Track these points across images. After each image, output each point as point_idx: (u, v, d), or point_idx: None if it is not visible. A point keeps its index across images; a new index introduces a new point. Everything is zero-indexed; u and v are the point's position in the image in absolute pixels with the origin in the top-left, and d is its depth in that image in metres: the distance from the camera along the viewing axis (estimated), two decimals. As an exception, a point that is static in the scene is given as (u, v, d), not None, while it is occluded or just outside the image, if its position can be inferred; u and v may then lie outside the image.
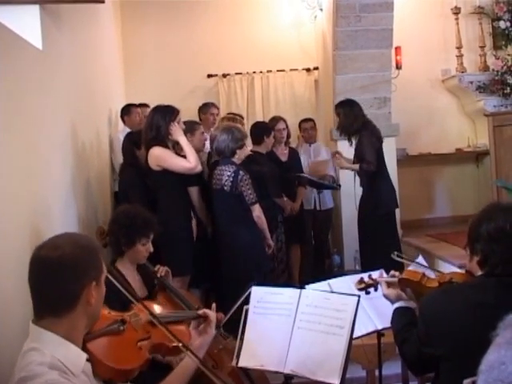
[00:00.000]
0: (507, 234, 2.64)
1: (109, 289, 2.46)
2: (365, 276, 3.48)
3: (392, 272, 3.39)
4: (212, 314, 3.11)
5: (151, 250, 4.07)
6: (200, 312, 3.13)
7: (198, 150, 6.15)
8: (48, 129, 4.03)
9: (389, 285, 3.26)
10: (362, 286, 3.44)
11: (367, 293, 3.46)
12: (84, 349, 2.33)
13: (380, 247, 6.51)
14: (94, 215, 5.54)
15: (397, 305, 3.17)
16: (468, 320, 2.63)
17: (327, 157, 7.91)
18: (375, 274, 3.53)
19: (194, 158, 5.33)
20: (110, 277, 2.63)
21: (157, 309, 3.42)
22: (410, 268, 3.62)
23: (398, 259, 3.72)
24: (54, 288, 2.18)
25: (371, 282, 3.42)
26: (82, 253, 2.25)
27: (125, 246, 3.98)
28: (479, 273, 2.79)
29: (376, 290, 3.43)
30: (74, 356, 2.20)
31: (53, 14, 4.31)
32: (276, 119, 7.53)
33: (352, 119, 6.73)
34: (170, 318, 3.23)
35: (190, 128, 5.97)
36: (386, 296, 3.26)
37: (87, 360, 2.29)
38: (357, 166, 6.76)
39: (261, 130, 6.90)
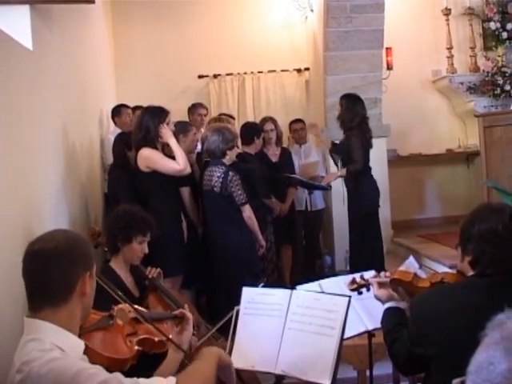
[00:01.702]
0: (499, 236, 2.64)
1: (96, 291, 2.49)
2: (357, 276, 3.48)
3: (382, 273, 3.40)
4: (188, 312, 3.18)
5: (146, 251, 4.07)
6: (176, 312, 3.19)
7: (190, 152, 6.15)
8: (39, 129, 4.02)
9: (380, 285, 3.26)
10: (354, 286, 3.44)
11: (359, 293, 3.46)
12: None
13: (365, 247, 6.56)
14: (84, 216, 5.53)
15: (387, 305, 3.16)
16: (459, 320, 2.63)
17: (318, 158, 7.92)
18: (367, 275, 3.54)
19: (183, 159, 5.33)
20: (99, 280, 2.66)
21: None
22: (402, 268, 3.63)
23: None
24: (51, 277, 2.23)
25: (363, 282, 3.42)
26: (75, 243, 2.33)
27: (121, 242, 3.98)
28: (470, 273, 2.79)
29: (368, 290, 3.43)
30: (73, 343, 2.25)
31: (43, 15, 4.30)
32: (265, 120, 7.51)
33: (352, 115, 6.73)
34: (152, 316, 3.27)
35: (182, 129, 5.96)
36: (376, 296, 3.25)
37: (83, 353, 2.32)
38: (344, 172, 6.82)
39: (251, 131, 6.88)
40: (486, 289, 2.65)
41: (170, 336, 3.11)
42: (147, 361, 3.21)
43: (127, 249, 4.00)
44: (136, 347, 2.89)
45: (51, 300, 2.23)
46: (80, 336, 2.41)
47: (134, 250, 4.01)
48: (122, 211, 4.16)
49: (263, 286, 3.67)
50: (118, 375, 2.15)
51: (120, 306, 3.05)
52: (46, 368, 2.04)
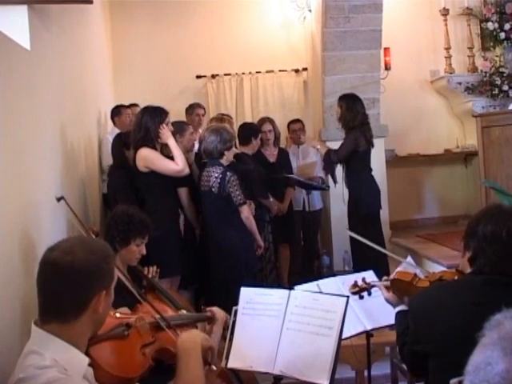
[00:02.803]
0: (501, 240, 2.66)
1: (116, 288, 2.40)
2: (359, 280, 3.48)
3: (385, 277, 3.40)
4: (219, 312, 3.09)
5: (144, 252, 4.05)
6: (208, 314, 3.09)
7: (188, 150, 6.16)
8: (36, 130, 4.01)
9: (388, 288, 3.26)
10: (356, 289, 3.44)
11: (361, 297, 3.47)
12: (87, 353, 2.29)
13: (365, 248, 6.55)
14: (83, 216, 5.51)
15: (398, 308, 3.17)
16: (455, 317, 2.64)
17: (316, 158, 7.92)
18: (368, 277, 3.54)
19: (181, 160, 5.34)
20: (122, 278, 2.60)
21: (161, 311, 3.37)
22: (399, 269, 3.64)
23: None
24: (64, 293, 2.14)
25: (365, 285, 3.43)
26: (95, 259, 2.20)
27: (119, 245, 3.94)
28: (468, 270, 2.81)
29: (370, 294, 3.43)
30: (76, 360, 2.16)
31: (41, 15, 4.29)
32: (263, 120, 7.53)
33: (353, 114, 6.74)
34: (175, 321, 3.20)
35: (179, 129, 5.96)
36: (387, 300, 3.26)
37: (89, 365, 2.26)
38: (324, 150, 6.97)
39: (248, 131, 6.90)
40: (481, 286, 2.67)
41: None
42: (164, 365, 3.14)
43: (125, 251, 3.98)
44: (150, 361, 2.81)
45: (61, 315, 2.15)
46: (89, 346, 2.34)
47: (132, 252, 4.00)
48: (119, 213, 4.13)
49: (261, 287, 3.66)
50: None
51: (141, 314, 3.00)
52: None
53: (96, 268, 2.19)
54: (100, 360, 2.52)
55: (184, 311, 3.47)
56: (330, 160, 6.89)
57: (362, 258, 6.53)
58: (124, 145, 5.99)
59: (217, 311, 3.11)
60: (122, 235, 3.96)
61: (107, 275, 2.25)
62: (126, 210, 4.14)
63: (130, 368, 2.69)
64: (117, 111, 7.42)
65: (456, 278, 2.99)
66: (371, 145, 6.80)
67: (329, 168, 6.98)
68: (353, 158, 6.71)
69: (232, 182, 5.54)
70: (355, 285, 3.45)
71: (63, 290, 2.14)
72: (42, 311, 2.19)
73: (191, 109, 7.85)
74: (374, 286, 3.42)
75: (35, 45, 3.99)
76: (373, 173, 6.86)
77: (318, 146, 7.25)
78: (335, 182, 7.06)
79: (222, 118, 7.29)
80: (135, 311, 3.13)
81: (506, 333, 1.24)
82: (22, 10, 3.88)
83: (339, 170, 7.06)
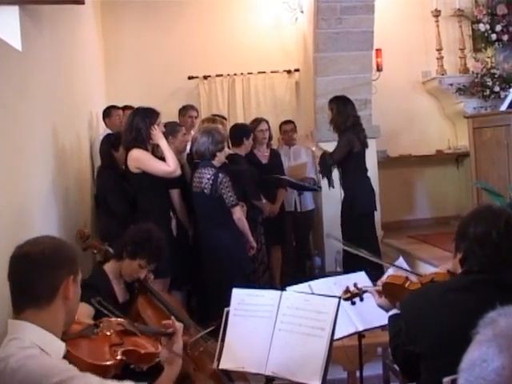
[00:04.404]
0: (491, 240, 2.67)
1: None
2: (350, 285, 3.48)
3: (378, 282, 3.40)
4: (177, 324, 3.05)
5: (142, 277, 4.08)
6: (169, 331, 3.05)
7: (180, 152, 6.15)
8: (28, 131, 4.00)
9: (380, 293, 3.27)
10: (348, 295, 3.44)
11: (353, 303, 3.46)
12: None
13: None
14: (74, 218, 5.50)
15: (391, 312, 3.18)
16: (446, 317, 2.65)
17: (307, 159, 7.92)
18: (360, 281, 3.54)
19: (173, 161, 5.33)
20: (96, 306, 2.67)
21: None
22: (390, 272, 3.64)
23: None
24: (34, 278, 2.26)
25: (357, 291, 3.43)
26: (61, 248, 2.39)
27: (126, 253, 4.02)
28: (459, 271, 2.82)
29: (362, 299, 3.43)
30: (54, 345, 2.27)
31: (33, 15, 4.28)
32: (258, 120, 7.54)
33: (344, 117, 6.74)
34: (138, 330, 3.21)
35: (171, 130, 5.96)
36: (379, 305, 3.26)
37: (64, 357, 2.32)
38: (320, 153, 6.96)
39: (240, 132, 6.89)
40: (471, 285, 2.68)
41: (159, 350, 3.04)
42: (139, 374, 3.16)
43: (128, 263, 4.03)
44: (120, 356, 2.86)
45: (34, 301, 2.26)
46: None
47: (131, 268, 4.03)
48: (145, 228, 4.19)
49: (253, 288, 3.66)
50: (88, 375, 2.18)
51: (107, 318, 3.04)
52: (19, 363, 2.08)
53: (63, 254, 2.36)
54: (74, 350, 2.59)
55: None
56: (326, 163, 6.87)
57: (353, 259, 6.53)
58: (112, 146, 5.98)
59: (174, 325, 3.07)
60: (133, 247, 4.02)
61: (73, 263, 2.40)
62: (152, 229, 4.18)
63: (103, 358, 2.75)
64: (107, 112, 7.40)
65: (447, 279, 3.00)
66: (365, 146, 6.81)
67: (325, 172, 6.96)
68: (347, 159, 6.72)
69: (224, 184, 5.53)
70: (347, 291, 3.45)
71: (35, 275, 2.27)
72: (15, 303, 2.31)
73: (184, 110, 7.83)
74: (365, 292, 3.41)
75: (26, 45, 3.98)
76: (365, 174, 6.87)
77: (314, 148, 7.22)
78: (332, 186, 7.01)
79: (213, 119, 7.28)
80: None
81: (501, 330, 1.24)
82: (14, 11, 3.88)
83: (335, 172, 7.04)
